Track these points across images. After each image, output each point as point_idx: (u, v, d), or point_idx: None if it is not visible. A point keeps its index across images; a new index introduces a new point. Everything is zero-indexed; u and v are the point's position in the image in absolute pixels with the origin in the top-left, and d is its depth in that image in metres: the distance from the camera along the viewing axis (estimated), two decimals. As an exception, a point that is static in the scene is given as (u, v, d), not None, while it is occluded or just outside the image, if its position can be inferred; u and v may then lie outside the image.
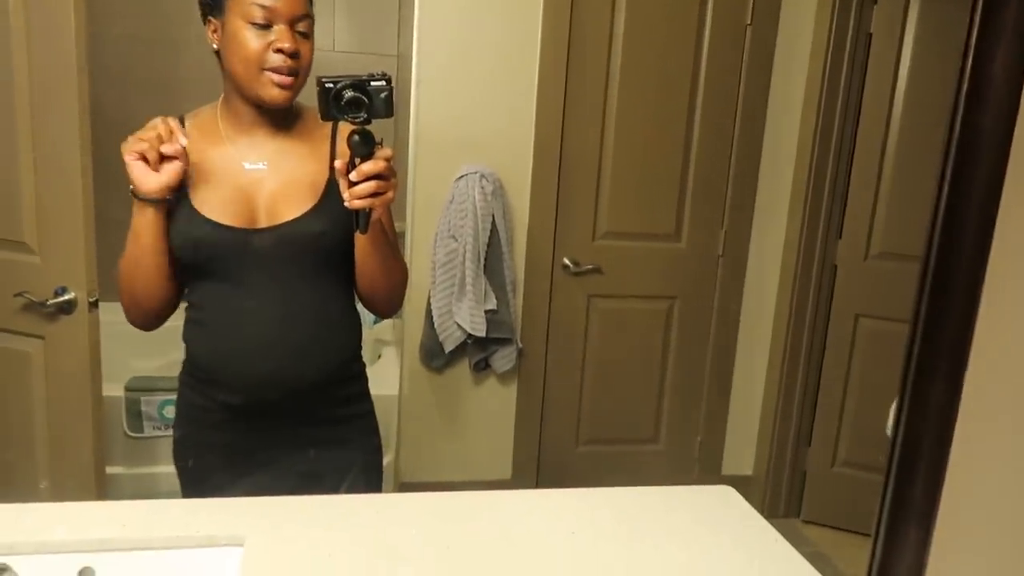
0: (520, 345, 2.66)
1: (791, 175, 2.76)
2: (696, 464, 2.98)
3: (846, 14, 2.57)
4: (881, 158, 2.65)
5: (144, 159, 1.19)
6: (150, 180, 1.20)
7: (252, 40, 1.21)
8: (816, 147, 2.67)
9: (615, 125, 2.64)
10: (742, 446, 2.97)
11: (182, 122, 1.33)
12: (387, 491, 2.36)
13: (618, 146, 2.66)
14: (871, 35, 2.60)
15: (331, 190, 1.29)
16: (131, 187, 1.22)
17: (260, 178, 1.30)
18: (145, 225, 1.25)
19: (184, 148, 1.21)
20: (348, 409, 1.42)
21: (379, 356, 2.97)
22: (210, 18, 1.26)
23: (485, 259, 2.49)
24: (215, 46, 1.27)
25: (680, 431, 2.95)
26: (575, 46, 2.54)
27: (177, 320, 1.40)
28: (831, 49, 2.60)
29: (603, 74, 2.60)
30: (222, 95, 1.32)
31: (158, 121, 1.21)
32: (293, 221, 1.28)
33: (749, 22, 2.65)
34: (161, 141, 1.20)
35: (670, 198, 2.74)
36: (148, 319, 1.35)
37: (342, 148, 1.24)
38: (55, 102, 1.70)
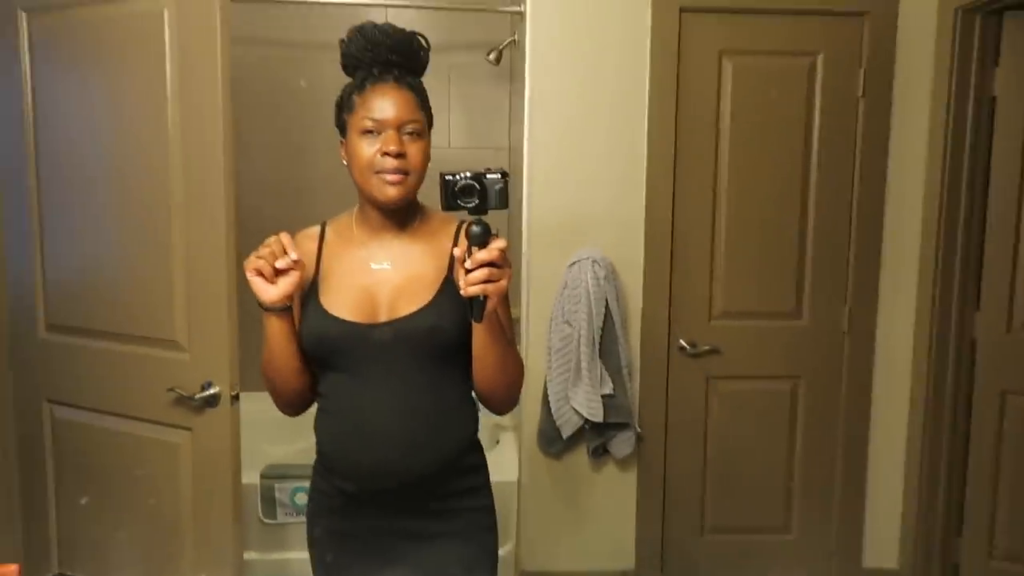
0: (639, 429, 2.62)
1: (918, 246, 2.65)
2: (833, 555, 2.78)
3: (965, 78, 2.49)
4: (1017, 222, 2.49)
5: (262, 274, 1.29)
6: (269, 292, 1.30)
7: (365, 148, 1.33)
8: (943, 214, 2.55)
9: (727, 202, 2.63)
10: (884, 536, 2.76)
11: (323, 228, 1.45)
12: (509, 581, 2.34)
13: (731, 223, 2.64)
14: (995, 98, 2.50)
15: (448, 286, 1.35)
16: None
17: (385, 277, 1.38)
18: (272, 331, 1.36)
19: (297, 261, 1.30)
20: (463, 502, 1.43)
21: (497, 442, 2.99)
22: (341, 139, 1.40)
23: (600, 343, 2.49)
24: (344, 162, 1.39)
25: (814, 519, 2.78)
26: (682, 125, 2.58)
27: (310, 410, 1.48)
28: (952, 115, 2.51)
29: (712, 151, 2.61)
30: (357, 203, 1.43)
31: (272, 239, 1.31)
32: (409, 316, 1.34)
33: (861, 94, 2.61)
34: (275, 257, 1.29)
35: (788, 274, 2.68)
36: (289, 408, 1.46)
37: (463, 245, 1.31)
38: (206, 208, 1.87)
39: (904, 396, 2.71)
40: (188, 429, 1.94)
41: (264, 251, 1.29)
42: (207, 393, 1.88)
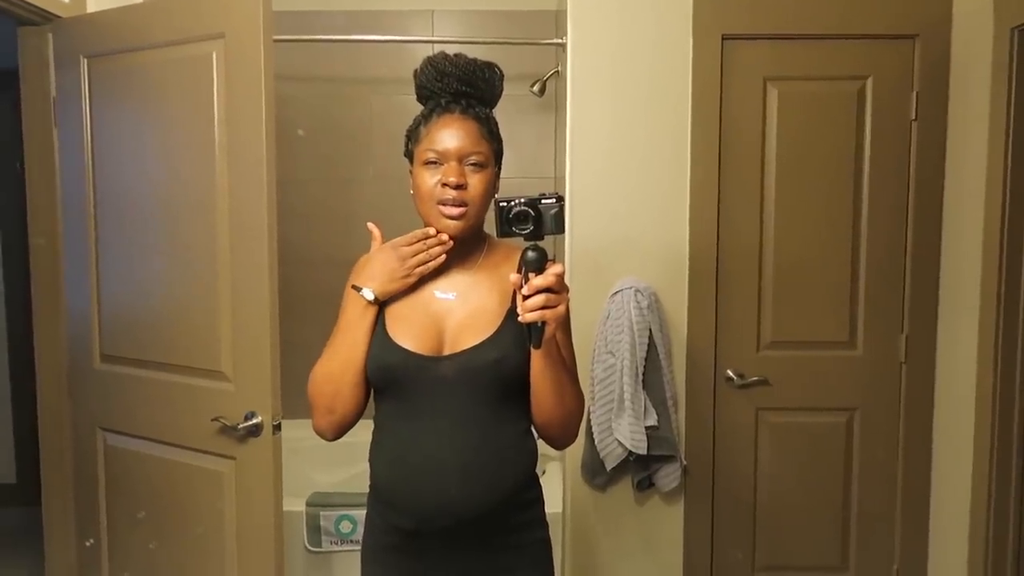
0: (685, 462, 2.56)
1: (979, 271, 2.52)
2: (895, 597, 2.66)
3: (1025, 99, 2.40)
4: (1087, 247, 2.37)
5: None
6: (394, 285, 1.36)
7: (427, 179, 1.34)
8: (1006, 237, 2.43)
9: (774, 229, 2.57)
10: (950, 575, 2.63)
11: None
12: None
13: (779, 250, 2.58)
14: (1058, 118, 2.39)
15: (510, 319, 1.34)
16: (362, 286, 1.36)
17: (449, 308, 1.38)
18: (358, 319, 1.37)
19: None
20: (521, 536, 1.41)
21: (543, 472, 2.96)
22: (410, 169, 1.41)
23: (643, 374, 2.45)
24: (411, 192, 1.39)
25: (873, 558, 2.66)
26: (726, 152, 2.54)
27: (355, 436, 1.47)
28: (1012, 136, 2.41)
29: (758, 178, 2.56)
30: None
31: (419, 233, 1.36)
32: (472, 349, 1.34)
33: (914, 117, 2.53)
34: (430, 249, 1.35)
35: (840, 302, 2.60)
36: (335, 424, 1.40)
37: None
38: (250, 243, 1.92)
39: (968, 429, 2.58)
40: (232, 458, 1.99)
41: (417, 245, 1.35)
42: (250, 423, 1.92)
